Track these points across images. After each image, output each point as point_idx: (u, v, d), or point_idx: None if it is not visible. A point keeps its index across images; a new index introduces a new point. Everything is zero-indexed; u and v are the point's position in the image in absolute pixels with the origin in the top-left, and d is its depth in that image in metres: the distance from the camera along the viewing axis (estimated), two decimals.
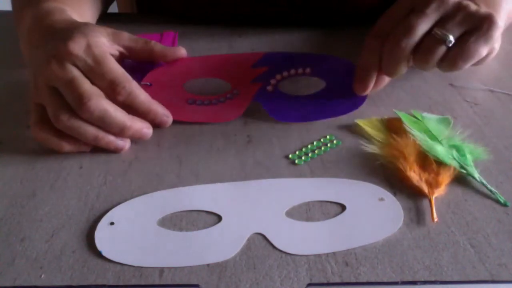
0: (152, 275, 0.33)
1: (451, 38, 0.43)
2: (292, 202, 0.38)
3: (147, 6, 0.77)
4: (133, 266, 0.33)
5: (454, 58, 0.44)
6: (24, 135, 0.46)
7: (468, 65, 0.44)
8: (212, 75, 0.51)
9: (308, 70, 0.51)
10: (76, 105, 0.41)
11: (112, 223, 0.37)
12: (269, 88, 0.50)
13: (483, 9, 0.44)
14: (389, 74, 0.47)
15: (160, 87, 0.49)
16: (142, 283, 0.32)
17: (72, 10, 0.52)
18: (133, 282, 0.32)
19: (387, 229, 0.36)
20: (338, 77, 0.51)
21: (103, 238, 0.35)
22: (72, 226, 0.37)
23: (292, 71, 0.51)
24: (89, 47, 0.43)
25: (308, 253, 0.34)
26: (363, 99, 0.49)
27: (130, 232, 0.36)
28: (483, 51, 0.44)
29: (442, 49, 0.44)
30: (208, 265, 0.33)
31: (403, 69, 0.46)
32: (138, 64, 0.51)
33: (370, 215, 0.37)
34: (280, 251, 0.34)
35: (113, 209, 0.38)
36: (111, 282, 0.32)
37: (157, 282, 0.32)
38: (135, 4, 0.80)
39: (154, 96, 0.46)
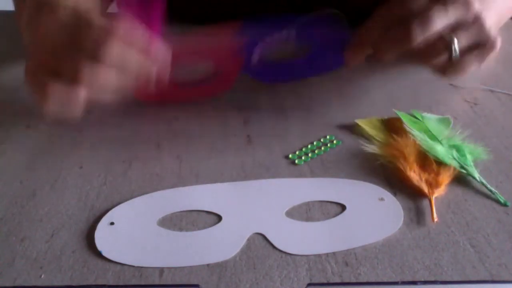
0: (152, 275, 0.33)
1: (458, 52, 0.42)
2: (292, 202, 0.38)
3: None
4: (133, 266, 0.33)
5: (449, 68, 0.44)
6: (24, 135, 0.46)
7: (457, 76, 0.45)
8: (191, 59, 0.48)
9: (293, 33, 0.48)
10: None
11: (112, 223, 0.37)
12: (254, 59, 0.47)
13: (493, 29, 0.43)
14: (382, 56, 0.44)
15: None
16: (142, 283, 0.32)
17: None
18: (133, 282, 0.32)
19: (387, 229, 0.36)
20: (324, 38, 0.49)
21: (103, 238, 0.35)
22: (72, 226, 0.37)
23: (276, 36, 0.47)
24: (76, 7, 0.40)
25: (308, 253, 0.34)
26: (339, 63, 0.48)
27: (130, 232, 0.36)
28: (476, 67, 0.44)
29: (445, 56, 0.43)
30: (208, 265, 0.33)
31: (396, 56, 0.44)
32: None
33: (370, 215, 0.37)
34: (280, 251, 0.34)
35: (113, 209, 0.38)
36: (111, 282, 0.32)
37: (157, 282, 0.32)
38: None
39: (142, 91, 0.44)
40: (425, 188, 0.39)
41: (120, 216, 0.37)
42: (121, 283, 0.32)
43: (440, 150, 0.42)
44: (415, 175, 0.40)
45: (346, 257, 0.34)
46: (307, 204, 0.39)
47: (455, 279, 0.32)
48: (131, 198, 0.39)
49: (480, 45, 0.43)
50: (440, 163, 0.41)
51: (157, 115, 0.49)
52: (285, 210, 0.38)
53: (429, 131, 0.44)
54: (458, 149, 0.42)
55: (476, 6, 0.42)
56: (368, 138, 0.45)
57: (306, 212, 0.38)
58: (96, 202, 0.39)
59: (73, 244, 0.35)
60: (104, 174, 0.42)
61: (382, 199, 0.39)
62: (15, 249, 0.35)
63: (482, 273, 0.33)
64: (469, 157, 0.42)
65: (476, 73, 0.57)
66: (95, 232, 0.36)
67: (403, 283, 0.32)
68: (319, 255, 0.34)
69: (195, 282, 0.32)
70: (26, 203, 0.39)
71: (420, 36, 0.41)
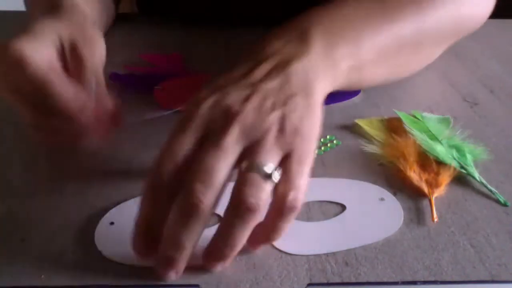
0: (152, 275, 0.33)
1: (269, 169, 0.30)
2: None
3: (147, 6, 0.77)
4: (133, 266, 0.33)
5: (284, 195, 0.31)
6: (24, 135, 0.46)
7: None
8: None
9: None
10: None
11: (112, 223, 0.37)
12: None
13: (297, 120, 0.33)
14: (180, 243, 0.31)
15: (172, 92, 0.52)
16: (142, 283, 0.32)
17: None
18: (133, 282, 0.32)
19: (387, 229, 0.36)
20: None
21: (103, 238, 0.35)
22: (72, 226, 0.36)
23: None
24: (4, 50, 0.37)
25: (308, 253, 0.34)
26: (357, 92, 0.52)
27: (130, 232, 0.36)
28: (308, 168, 0.32)
29: (267, 186, 0.30)
30: None
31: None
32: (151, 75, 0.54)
33: (370, 215, 0.37)
34: (280, 251, 0.34)
35: (113, 209, 0.38)
36: (111, 282, 0.32)
37: (157, 282, 0.32)
38: (135, 4, 0.80)
39: (164, 97, 0.50)
40: (425, 188, 0.39)
41: (120, 216, 0.37)
42: (121, 283, 0.32)
43: (440, 150, 0.42)
44: (415, 175, 0.40)
45: (346, 257, 0.34)
46: (307, 204, 0.38)
47: (455, 279, 0.32)
48: (131, 198, 0.39)
49: (292, 152, 0.32)
50: (440, 163, 0.41)
51: (157, 115, 0.49)
52: None
53: (429, 131, 0.44)
54: (458, 149, 0.42)
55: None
56: (368, 138, 0.45)
57: (306, 212, 0.38)
58: (96, 202, 0.39)
59: (73, 244, 0.35)
60: (104, 173, 0.42)
61: (382, 199, 0.39)
62: (15, 249, 0.35)
63: (482, 273, 0.33)
64: (469, 157, 0.42)
65: (476, 73, 0.57)
66: (95, 232, 0.36)
67: (403, 283, 0.32)
68: (319, 255, 0.34)
69: (195, 282, 0.32)
70: (26, 203, 0.39)
71: (208, 194, 0.30)
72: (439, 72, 0.57)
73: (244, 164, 0.31)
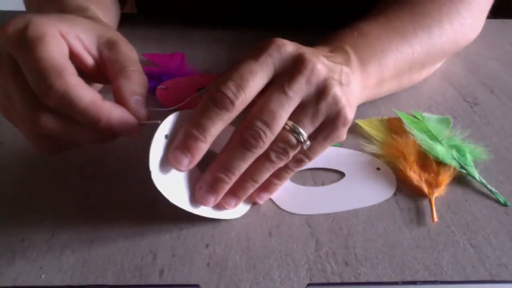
0: (152, 275, 0.33)
1: (306, 138, 0.35)
2: None
3: (146, 6, 0.77)
4: (133, 266, 0.33)
5: (301, 158, 0.36)
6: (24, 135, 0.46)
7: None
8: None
9: None
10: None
11: (166, 136, 0.34)
12: None
13: (344, 98, 0.36)
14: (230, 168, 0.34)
15: (175, 91, 0.52)
16: (142, 283, 0.32)
17: (96, 7, 0.47)
18: (133, 282, 0.32)
19: (382, 195, 0.39)
20: None
21: (157, 154, 0.33)
22: (72, 226, 0.37)
23: None
24: (24, 29, 0.32)
25: (309, 213, 0.37)
26: None
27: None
28: (326, 148, 0.37)
29: (297, 149, 0.35)
30: (208, 264, 0.34)
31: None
32: (154, 73, 0.54)
33: (367, 182, 0.40)
34: (279, 246, 0.34)
35: (165, 121, 0.35)
36: (111, 282, 0.32)
37: (157, 282, 0.32)
38: (135, 4, 0.80)
39: (167, 96, 0.50)
40: (425, 188, 0.39)
41: (174, 128, 0.35)
42: (121, 283, 0.32)
43: (440, 150, 0.42)
44: (415, 175, 0.40)
45: (346, 257, 0.34)
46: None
47: (455, 279, 0.32)
48: (131, 196, 0.39)
49: (329, 124, 0.36)
50: (440, 163, 0.41)
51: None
52: None
53: (429, 131, 0.44)
54: (458, 149, 0.42)
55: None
56: (368, 138, 0.45)
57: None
58: (96, 202, 0.39)
59: (73, 244, 0.35)
60: (104, 173, 0.42)
61: (378, 168, 0.42)
62: (15, 249, 0.35)
63: (482, 273, 0.33)
64: (469, 157, 0.42)
65: (476, 73, 0.57)
66: (150, 147, 0.33)
67: (403, 283, 0.32)
68: (319, 255, 0.34)
69: (195, 282, 0.32)
70: (26, 203, 0.39)
71: (267, 139, 0.34)
72: (439, 72, 0.57)
73: (288, 124, 0.34)
